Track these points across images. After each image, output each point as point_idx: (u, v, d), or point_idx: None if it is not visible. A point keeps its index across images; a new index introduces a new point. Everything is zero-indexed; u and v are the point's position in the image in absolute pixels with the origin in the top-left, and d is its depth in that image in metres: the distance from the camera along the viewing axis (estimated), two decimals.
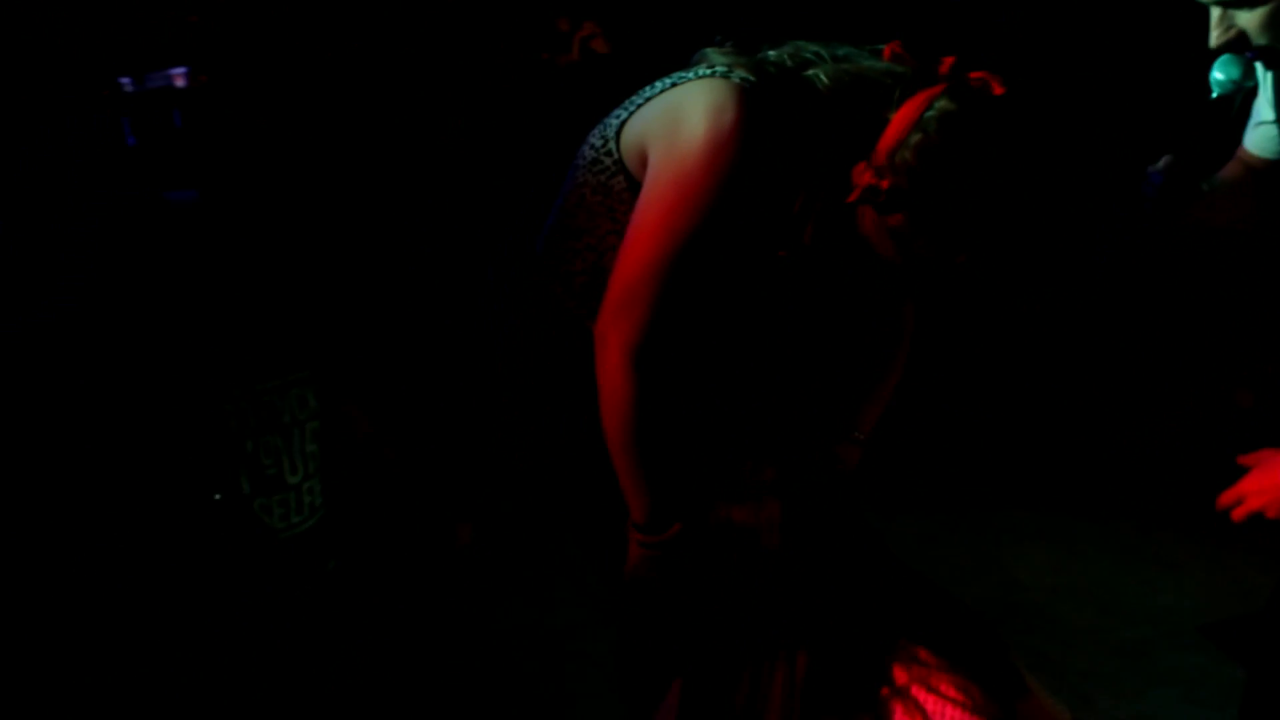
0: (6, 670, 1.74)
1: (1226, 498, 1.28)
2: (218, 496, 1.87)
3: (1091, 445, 3.25)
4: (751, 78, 1.14)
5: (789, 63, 1.17)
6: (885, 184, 1.12)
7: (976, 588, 2.65)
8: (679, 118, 1.13)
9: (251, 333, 1.75)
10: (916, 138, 1.11)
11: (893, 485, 3.41)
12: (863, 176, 1.14)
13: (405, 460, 2.03)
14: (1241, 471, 1.26)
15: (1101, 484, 3.07)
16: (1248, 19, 1.22)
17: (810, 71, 1.16)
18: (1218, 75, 1.32)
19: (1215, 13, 1.25)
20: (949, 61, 1.15)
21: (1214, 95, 1.31)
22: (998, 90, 1.13)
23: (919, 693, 1.20)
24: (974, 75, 1.14)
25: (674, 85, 1.17)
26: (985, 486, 3.32)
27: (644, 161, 1.17)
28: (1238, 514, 1.25)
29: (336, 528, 1.90)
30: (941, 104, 1.12)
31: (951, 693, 1.21)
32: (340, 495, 1.91)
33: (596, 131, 1.25)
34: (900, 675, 1.21)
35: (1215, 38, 1.26)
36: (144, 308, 1.71)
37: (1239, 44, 1.26)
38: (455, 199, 3.02)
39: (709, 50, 1.21)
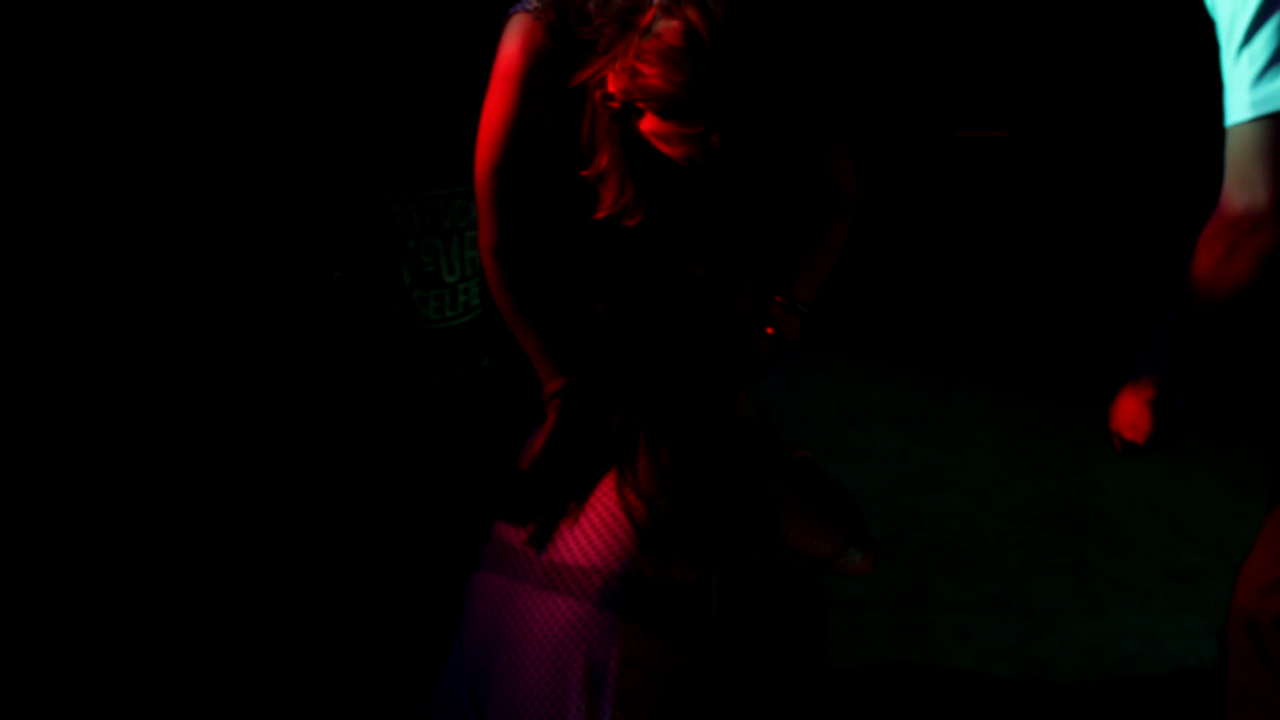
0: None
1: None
2: (336, 275, 2.20)
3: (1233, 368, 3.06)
4: (546, 8, 1.23)
5: None
6: (619, 91, 1.16)
7: (1051, 483, 2.67)
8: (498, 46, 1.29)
9: (422, 144, 1.92)
10: (644, 42, 1.12)
11: (1009, 367, 3.40)
12: (612, 87, 1.18)
13: None
14: None
15: (1234, 408, 2.92)
16: None
17: None
18: None
19: None
20: None
21: None
22: None
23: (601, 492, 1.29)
24: None
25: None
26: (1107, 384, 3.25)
27: None
28: (1118, 447, 1.32)
29: (492, 329, 2.09)
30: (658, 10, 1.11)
31: (611, 504, 1.29)
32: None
33: None
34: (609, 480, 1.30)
35: None
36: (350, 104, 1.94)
37: None
38: None
39: None
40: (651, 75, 1.11)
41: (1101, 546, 2.39)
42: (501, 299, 1.41)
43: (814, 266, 1.45)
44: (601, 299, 1.38)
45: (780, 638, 1.41)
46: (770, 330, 1.47)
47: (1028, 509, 2.55)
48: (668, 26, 1.10)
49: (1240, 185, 1.06)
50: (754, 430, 1.39)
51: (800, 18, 1.17)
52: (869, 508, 2.57)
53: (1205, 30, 1.20)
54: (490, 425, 2.08)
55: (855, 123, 3.64)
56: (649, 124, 1.16)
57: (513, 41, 1.26)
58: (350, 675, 1.95)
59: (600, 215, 1.25)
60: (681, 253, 1.41)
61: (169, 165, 2.36)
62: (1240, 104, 1.06)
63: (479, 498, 1.51)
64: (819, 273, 1.46)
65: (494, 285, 1.40)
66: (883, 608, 2.18)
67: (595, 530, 1.27)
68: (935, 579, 2.28)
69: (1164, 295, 1.26)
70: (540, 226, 1.34)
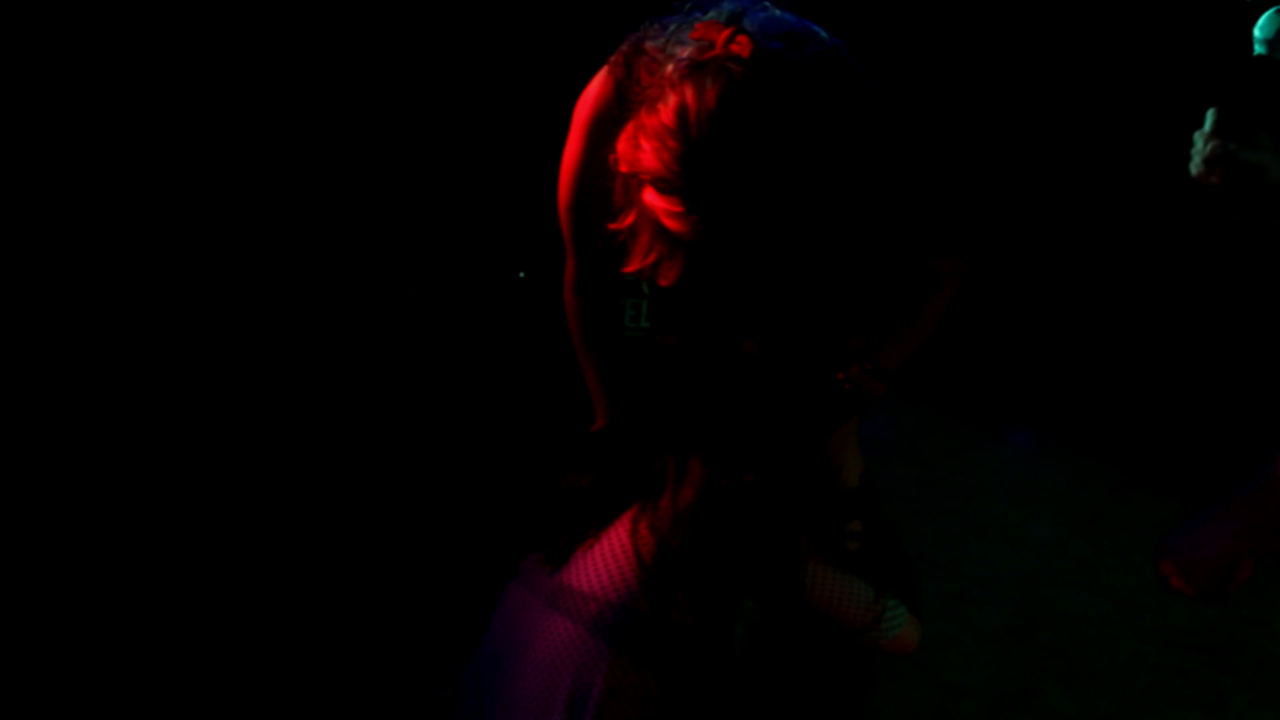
0: None
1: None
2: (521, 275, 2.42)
3: None
4: (619, 64, 1.25)
5: (665, 41, 1.18)
6: (624, 161, 1.14)
7: (1214, 610, 2.47)
8: None
9: None
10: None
11: (1212, 477, 3.14)
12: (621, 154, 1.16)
13: None
14: None
15: None
16: None
17: (668, 51, 1.16)
18: (1259, 34, 1.19)
19: None
20: (720, 36, 1.09)
21: (1256, 53, 1.18)
22: (735, 50, 1.07)
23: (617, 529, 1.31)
24: (730, 50, 1.08)
25: None
26: None
27: None
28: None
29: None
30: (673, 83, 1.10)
31: (621, 539, 1.30)
32: None
33: None
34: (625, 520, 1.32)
35: None
36: None
37: None
38: None
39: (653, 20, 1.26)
40: (647, 149, 1.11)
41: (1249, 690, 2.21)
42: (575, 332, 1.49)
43: (901, 338, 1.45)
44: (669, 330, 1.43)
45: (808, 704, 1.45)
46: (848, 387, 1.47)
47: (1177, 632, 2.39)
48: (665, 103, 1.10)
49: None
50: (798, 482, 1.40)
51: (832, 109, 1.14)
52: (1000, 595, 2.50)
53: None
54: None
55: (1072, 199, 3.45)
56: (646, 196, 1.16)
57: (587, 91, 1.31)
58: (388, 666, 2.09)
59: (629, 270, 1.26)
60: (726, 324, 1.43)
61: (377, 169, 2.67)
62: None
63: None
64: (906, 344, 1.46)
65: (570, 319, 1.49)
66: (980, 700, 2.14)
67: (603, 559, 1.32)
68: (1048, 684, 2.20)
69: None
70: (618, 267, 1.37)
